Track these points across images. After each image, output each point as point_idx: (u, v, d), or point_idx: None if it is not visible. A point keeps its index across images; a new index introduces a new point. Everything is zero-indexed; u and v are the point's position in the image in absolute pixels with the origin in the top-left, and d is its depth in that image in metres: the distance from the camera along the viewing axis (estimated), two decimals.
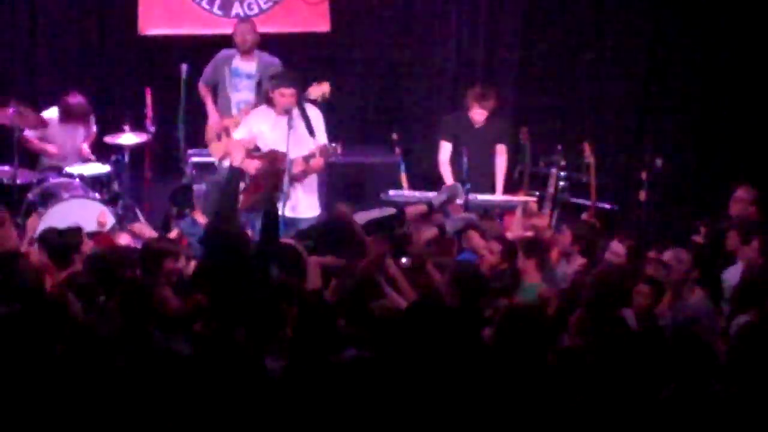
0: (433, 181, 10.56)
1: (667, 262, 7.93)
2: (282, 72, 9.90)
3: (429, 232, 9.22)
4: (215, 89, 10.66)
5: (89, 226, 9.13)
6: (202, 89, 10.70)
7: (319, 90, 9.80)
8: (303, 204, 9.35)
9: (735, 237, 8.59)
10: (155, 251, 7.47)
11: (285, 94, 9.25)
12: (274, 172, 9.16)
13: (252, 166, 9.31)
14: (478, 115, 10.44)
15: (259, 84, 10.33)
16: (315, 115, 9.43)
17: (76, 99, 10.61)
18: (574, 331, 6.72)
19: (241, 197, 9.40)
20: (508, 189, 10.77)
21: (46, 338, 5.66)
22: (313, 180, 9.51)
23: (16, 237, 8.39)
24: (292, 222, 9.19)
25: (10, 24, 11.74)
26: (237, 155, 9.31)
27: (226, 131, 10.28)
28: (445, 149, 10.55)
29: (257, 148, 9.44)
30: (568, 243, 8.71)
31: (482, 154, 10.39)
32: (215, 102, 10.64)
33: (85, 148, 10.84)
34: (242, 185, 9.41)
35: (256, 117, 9.53)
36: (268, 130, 9.38)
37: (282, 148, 9.16)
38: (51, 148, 10.67)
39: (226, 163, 9.84)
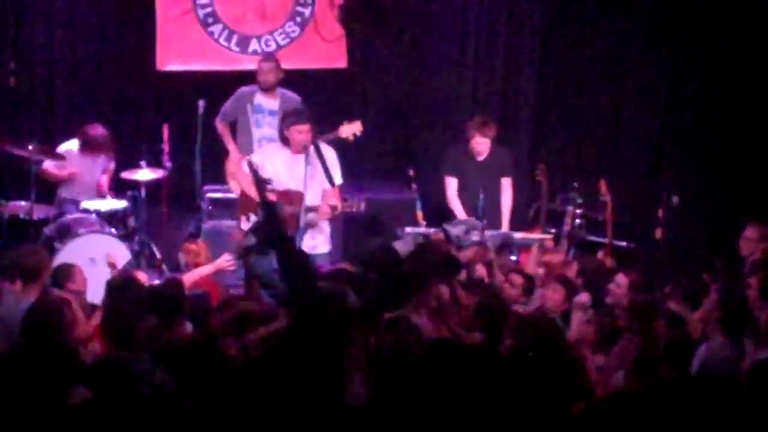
0: (449, 218, 10.54)
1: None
2: (295, 109, 9.79)
3: None
4: (233, 126, 10.65)
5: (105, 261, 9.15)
6: (220, 126, 10.67)
7: (351, 129, 9.79)
8: (318, 242, 9.31)
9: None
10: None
11: (301, 131, 9.17)
12: (293, 214, 9.14)
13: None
14: (480, 144, 10.37)
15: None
16: (331, 155, 9.31)
17: (96, 130, 10.60)
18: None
19: None
20: (522, 225, 10.75)
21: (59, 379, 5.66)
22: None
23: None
24: None
25: (29, 59, 11.81)
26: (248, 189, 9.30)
27: None
28: (451, 184, 10.50)
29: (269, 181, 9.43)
30: (572, 275, 8.76)
31: (487, 188, 10.32)
32: (234, 139, 10.65)
33: (104, 181, 10.78)
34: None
35: (273, 152, 9.40)
36: (283, 169, 9.25)
37: (297, 188, 9.13)
38: (72, 168, 10.58)
39: None
